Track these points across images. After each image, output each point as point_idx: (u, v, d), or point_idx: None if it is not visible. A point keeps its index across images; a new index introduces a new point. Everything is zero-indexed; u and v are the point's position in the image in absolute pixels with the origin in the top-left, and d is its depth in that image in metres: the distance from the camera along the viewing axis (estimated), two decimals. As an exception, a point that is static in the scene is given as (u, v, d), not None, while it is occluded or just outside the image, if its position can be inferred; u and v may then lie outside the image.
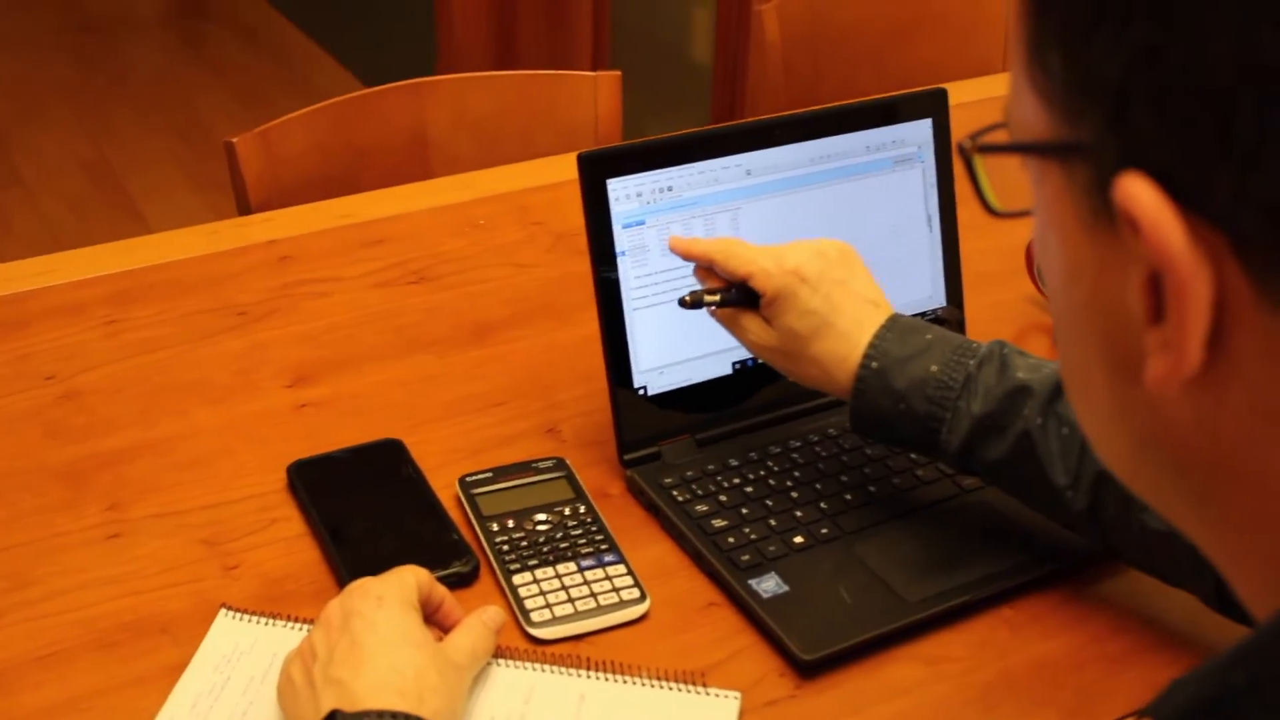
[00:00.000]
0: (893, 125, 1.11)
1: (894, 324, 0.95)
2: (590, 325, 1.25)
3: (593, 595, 0.94)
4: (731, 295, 0.98)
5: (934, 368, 0.93)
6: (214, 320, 1.25)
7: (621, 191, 1.02)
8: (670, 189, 1.03)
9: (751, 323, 0.98)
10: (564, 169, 1.53)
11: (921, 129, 1.12)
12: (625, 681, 0.88)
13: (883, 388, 0.93)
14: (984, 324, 1.19)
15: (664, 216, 1.03)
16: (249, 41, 4.11)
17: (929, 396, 0.92)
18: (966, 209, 1.15)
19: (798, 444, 1.07)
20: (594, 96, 1.60)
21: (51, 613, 0.93)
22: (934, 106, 1.12)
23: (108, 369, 1.18)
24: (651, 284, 1.04)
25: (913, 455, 1.06)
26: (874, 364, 0.93)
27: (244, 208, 1.44)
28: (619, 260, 1.03)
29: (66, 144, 3.58)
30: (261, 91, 3.83)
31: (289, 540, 1.00)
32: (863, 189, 1.11)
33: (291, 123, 1.47)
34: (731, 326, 1.00)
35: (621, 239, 1.02)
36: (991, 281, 1.28)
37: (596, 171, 1.01)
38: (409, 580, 0.85)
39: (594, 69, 2.74)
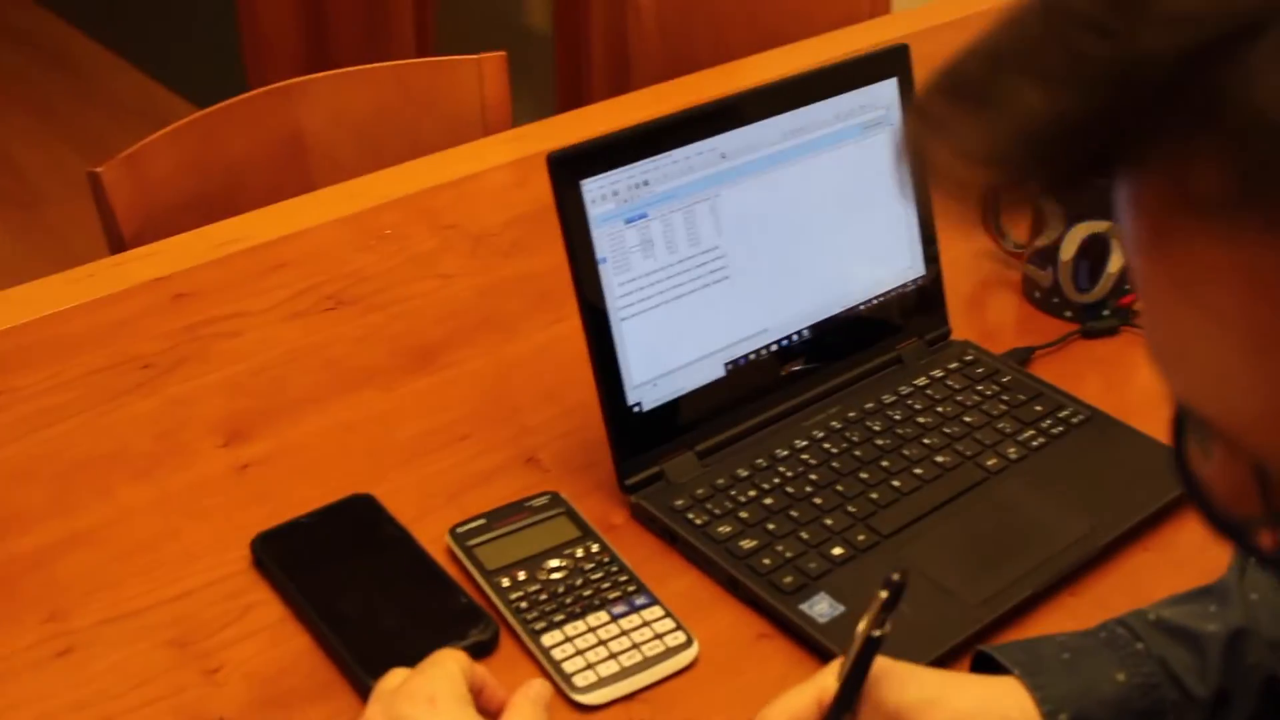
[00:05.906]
0: (858, 89, 1.03)
1: (1018, 660, 0.75)
2: (540, 335, 1.16)
3: (635, 646, 0.84)
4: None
5: (1120, 676, 0.75)
6: (116, 378, 1.10)
7: (597, 192, 0.91)
8: (646, 183, 0.94)
9: None
10: (462, 162, 1.43)
11: (887, 90, 1.05)
12: (698, 742, 0.79)
13: None
14: (945, 282, 1.12)
15: (642, 215, 0.94)
16: (24, 46, 3.80)
17: (1139, 712, 0.75)
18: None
19: (804, 443, 0.99)
20: (479, 81, 1.48)
21: (11, 756, 0.79)
22: (897, 65, 1.05)
23: (5, 451, 1.03)
24: (636, 289, 0.94)
25: (926, 440, 0.99)
26: (1062, 716, 0.73)
27: (116, 243, 1.28)
28: (600, 268, 0.92)
29: None
30: (55, 105, 3.51)
31: (271, 629, 0.87)
32: (836, 160, 1.03)
33: (157, 143, 1.32)
34: None
35: (601, 244, 0.92)
36: (944, 238, 1.22)
37: (568, 173, 0.90)
38: (454, 670, 0.74)
39: (418, 41, 2.59)
